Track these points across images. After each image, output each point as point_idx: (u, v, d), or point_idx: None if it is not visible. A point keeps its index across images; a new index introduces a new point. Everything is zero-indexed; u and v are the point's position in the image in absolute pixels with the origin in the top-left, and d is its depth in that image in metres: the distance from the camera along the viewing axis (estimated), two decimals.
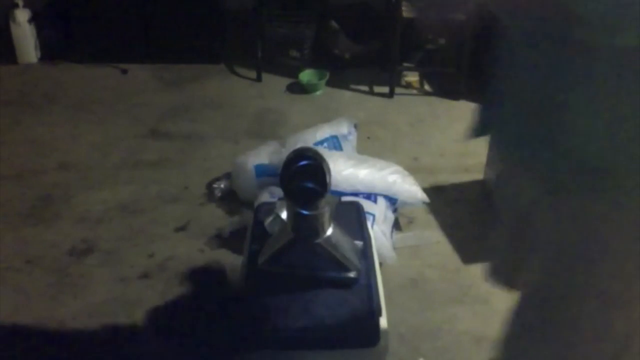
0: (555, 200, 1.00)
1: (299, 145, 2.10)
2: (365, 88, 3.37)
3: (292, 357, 1.42)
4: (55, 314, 2.07)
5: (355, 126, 2.71)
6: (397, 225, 2.42)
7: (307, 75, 3.38)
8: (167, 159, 2.83)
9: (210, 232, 2.40)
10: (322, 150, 2.33)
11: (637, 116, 0.89)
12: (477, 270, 2.28)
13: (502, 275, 1.27)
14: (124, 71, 3.47)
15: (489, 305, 2.14)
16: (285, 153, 2.17)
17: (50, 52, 3.57)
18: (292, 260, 1.45)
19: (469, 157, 2.80)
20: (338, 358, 1.41)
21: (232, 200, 2.56)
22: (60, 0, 3.51)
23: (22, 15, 3.44)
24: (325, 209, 1.41)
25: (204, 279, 2.21)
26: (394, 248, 2.25)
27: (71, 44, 3.55)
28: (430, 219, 2.50)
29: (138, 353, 1.97)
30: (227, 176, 2.64)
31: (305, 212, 1.39)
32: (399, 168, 2.42)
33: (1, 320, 2.05)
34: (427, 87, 3.44)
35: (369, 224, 1.72)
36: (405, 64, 3.40)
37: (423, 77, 3.46)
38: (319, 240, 1.43)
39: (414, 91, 3.40)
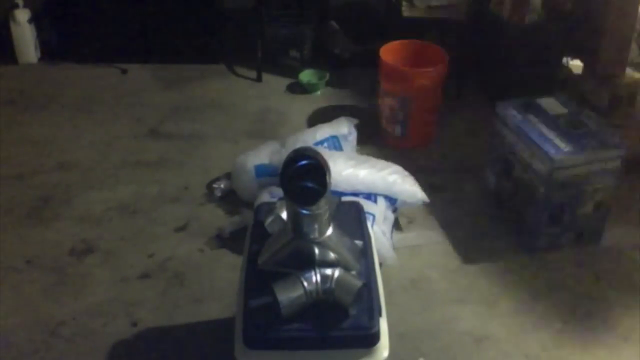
0: None
1: (299, 145, 2.10)
2: (365, 88, 3.37)
3: (292, 357, 1.42)
4: (55, 314, 2.07)
5: (356, 126, 2.71)
6: (397, 225, 2.42)
7: (307, 75, 3.38)
8: (167, 159, 2.82)
9: (210, 232, 2.40)
10: (322, 150, 2.33)
11: None
12: (478, 271, 2.28)
13: None
14: (124, 71, 3.47)
15: (489, 305, 2.15)
16: (285, 153, 2.17)
17: (50, 52, 3.56)
18: (292, 260, 1.44)
19: (469, 157, 2.80)
20: (338, 358, 1.41)
21: (232, 200, 2.56)
22: (60, 0, 3.51)
23: (22, 15, 3.44)
24: (325, 209, 1.41)
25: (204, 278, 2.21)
26: (394, 248, 2.25)
27: (71, 44, 3.55)
28: (431, 219, 2.50)
29: (138, 353, 1.97)
30: (227, 176, 2.64)
31: (305, 212, 1.39)
32: (399, 168, 2.42)
33: (1, 320, 2.05)
34: None
35: (369, 224, 1.72)
36: None
37: None
38: (319, 240, 1.43)
39: None
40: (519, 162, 2.35)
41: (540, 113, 2.39)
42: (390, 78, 2.86)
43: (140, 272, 2.24)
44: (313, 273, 1.40)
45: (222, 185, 2.60)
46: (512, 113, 2.40)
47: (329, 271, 1.41)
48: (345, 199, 1.78)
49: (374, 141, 2.92)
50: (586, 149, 2.22)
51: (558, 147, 2.21)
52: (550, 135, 2.27)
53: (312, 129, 2.67)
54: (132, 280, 2.21)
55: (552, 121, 2.35)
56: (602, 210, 2.35)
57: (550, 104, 2.45)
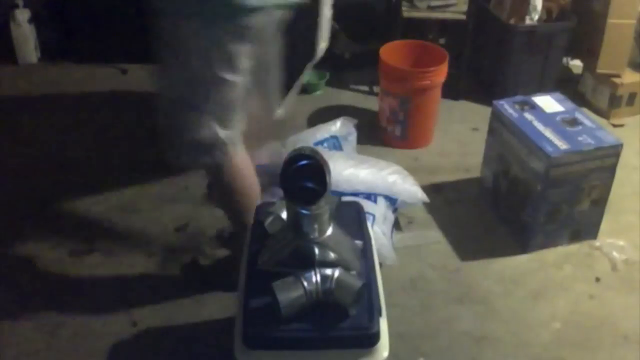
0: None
1: (299, 145, 2.10)
2: (365, 88, 3.37)
3: (292, 357, 1.42)
4: (55, 313, 2.07)
5: (356, 126, 2.71)
6: (397, 225, 2.42)
7: (307, 75, 3.37)
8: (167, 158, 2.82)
9: (210, 232, 2.40)
10: (322, 150, 2.33)
11: None
12: (477, 270, 2.28)
13: None
14: (124, 71, 3.47)
15: (489, 305, 2.15)
16: (285, 153, 2.17)
17: (50, 52, 3.56)
18: (292, 260, 1.44)
19: (469, 157, 2.80)
20: (338, 358, 1.41)
21: None
22: (60, 0, 3.51)
23: (22, 15, 3.44)
24: (325, 209, 1.41)
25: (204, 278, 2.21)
26: (394, 248, 2.25)
27: (71, 44, 3.55)
28: (430, 219, 2.50)
29: (138, 353, 1.97)
30: None
31: (305, 212, 1.39)
32: (399, 168, 2.42)
33: (1, 321, 2.05)
34: None
35: (369, 224, 1.72)
36: None
37: None
38: (319, 240, 1.43)
39: None
40: (516, 160, 2.35)
41: (537, 111, 2.40)
42: (390, 78, 2.86)
43: (140, 272, 2.24)
44: (313, 273, 1.40)
45: None
46: (508, 111, 2.40)
47: (329, 271, 1.41)
48: (345, 199, 1.78)
49: (374, 141, 2.93)
50: (583, 146, 2.22)
51: (555, 144, 2.21)
52: (547, 133, 2.27)
53: (312, 129, 2.67)
54: (132, 280, 2.21)
55: (548, 119, 2.35)
56: (599, 207, 2.36)
57: (546, 101, 2.45)
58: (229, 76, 1.71)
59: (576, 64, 3.45)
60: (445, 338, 2.02)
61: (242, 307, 1.44)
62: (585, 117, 2.39)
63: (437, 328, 2.05)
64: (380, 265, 1.86)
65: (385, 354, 1.41)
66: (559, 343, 2.02)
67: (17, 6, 3.43)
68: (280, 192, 1.50)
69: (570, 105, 2.46)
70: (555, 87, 3.07)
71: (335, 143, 2.59)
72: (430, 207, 2.52)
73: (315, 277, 1.39)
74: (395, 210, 2.37)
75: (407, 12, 3.15)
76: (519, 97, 2.49)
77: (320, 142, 2.55)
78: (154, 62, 1.89)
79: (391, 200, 2.32)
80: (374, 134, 2.96)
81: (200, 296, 2.14)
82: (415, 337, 2.01)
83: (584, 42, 3.19)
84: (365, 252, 1.54)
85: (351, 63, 3.49)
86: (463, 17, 3.13)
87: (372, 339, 1.38)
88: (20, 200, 2.56)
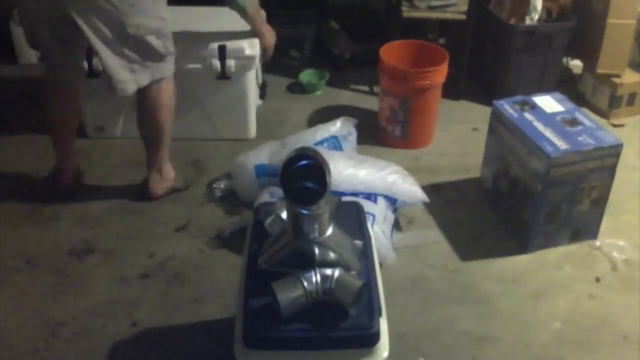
0: None
1: (299, 145, 2.10)
2: (365, 88, 3.37)
3: (292, 357, 1.42)
4: (55, 314, 2.08)
5: (356, 126, 2.71)
6: (397, 225, 2.42)
7: (307, 75, 3.38)
8: None
9: (210, 232, 2.40)
10: (322, 150, 2.33)
11: None
12: (477, 270, 2.28)
13: None
14: None
15: (489, 305, 2.15)
16: (285, 153, 2.17)
17: None
18: (292, 260, 1.45)
19: (469, 157, 2.80)
20: (338, 358, 1.41)
21: (232, 200, 2.56)
22: None
23: None
24: (325, 208, 1.41)
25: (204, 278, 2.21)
26: (394, 248, 2.25)
27: None
28: (430, 219, 2.50)
29: (138, 353, 1.97)
30: (227, 176, 2.64)
31: (305, 212, 1.39)
32: (399, 168, 2.42)
33: (1, 320, 2.05)
34: None
35: (369, 224, 1.72)
36: None
37: None
38: (319, 240, 1.43)
39: None
40: (516, 160, 2.35)
41: (537, 111, 2.40)
42: (390, 78, 2.86)
43: (140, 272, 2.24)
44: (313, 273, 1.40)
45: (222, 185, 2.60)
46: (508, 111, 2.40)
47: (329, 271, 1.41)
48: (345, 199, 1.78)
49: (374, 141, 2.93)
50: (583, 146, 2.22)
51: (555, 144, 2.21)
52: (547, 133, 2.27)
53: (312, 129, 2.67)
54: (132, 280, 2.21)
55: (548, 119, 2.35)
56: (599, 207, 2.36)
57: (546, 101, 2.45)
58: None
59: (576, 64, 3.45)
60: (445, 338, 2.02)
61: (242, 307, 1.44)
62: (585, 117, 2.39)
63: (437, 328, 2.05)
64: (380, 265, 1.86)
65: (385, 354, 1.41)
66: (559, 343, 2.02)
67: None
68: (280, 192, 1.50)
69: (570, 105, 2.46)
70: (555, 87, 3.07)
71: (335, 143, 2.59)
72: (430, 207, 2.52)
73: (315, 277, 1.40)
74: (395, 210, 2.37)
75: (407, 12, 3.15)
76: (519, 97, 2.49)
77: (320, 142, 2.55)
78: None
79: (391, 200, 2.33)
80: (374, 134, 2.96)
81: (200, 296, 2.15)
82: (415, 337, 2.01)
83: (584, 42, 3.19)
84: (365, 252, 1.54)
85: (351, 63, 3.49)
86: (463, 17, 3.13)
87: (372, 339, 1.38)
88: (21, 200, 2.56)
